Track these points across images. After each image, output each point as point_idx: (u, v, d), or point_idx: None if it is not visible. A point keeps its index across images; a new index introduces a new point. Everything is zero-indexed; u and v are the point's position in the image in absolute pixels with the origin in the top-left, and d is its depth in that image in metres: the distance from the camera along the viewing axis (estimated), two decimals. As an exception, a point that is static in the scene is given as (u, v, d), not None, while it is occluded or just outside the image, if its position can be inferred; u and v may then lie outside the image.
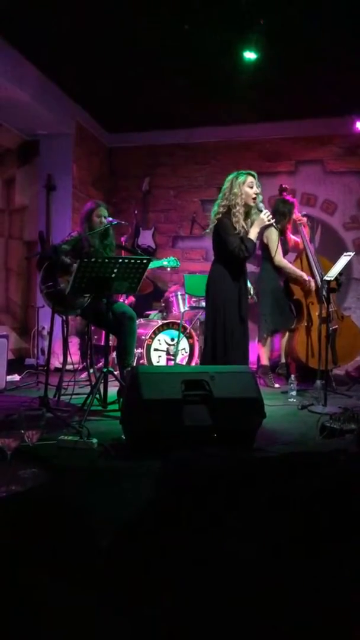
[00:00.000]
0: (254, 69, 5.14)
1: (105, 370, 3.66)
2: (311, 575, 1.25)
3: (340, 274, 4.27)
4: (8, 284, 6.50)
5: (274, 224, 3.91)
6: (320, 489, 1.64)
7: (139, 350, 5.04)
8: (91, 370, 4.28)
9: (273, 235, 5.04)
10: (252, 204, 3.67)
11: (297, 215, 5.37)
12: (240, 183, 3.64)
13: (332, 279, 4.15)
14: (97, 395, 3.66)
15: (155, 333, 5.21)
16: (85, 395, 3.57)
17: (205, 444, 2.58)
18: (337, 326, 5.15)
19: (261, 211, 3.66)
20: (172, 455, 2.16)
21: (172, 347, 5.26)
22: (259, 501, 1.60)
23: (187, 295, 5.52)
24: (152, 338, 5.19)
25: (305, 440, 3.02)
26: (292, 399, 4.26)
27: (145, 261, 3.47)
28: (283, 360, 5.49)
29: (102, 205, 4.26)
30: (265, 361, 5.22)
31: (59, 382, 3.99)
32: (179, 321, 5.29)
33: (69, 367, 4.26)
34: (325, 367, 4.23)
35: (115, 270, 3.38)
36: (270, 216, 3.69)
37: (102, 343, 4.77)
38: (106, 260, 3.41)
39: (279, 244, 5.07)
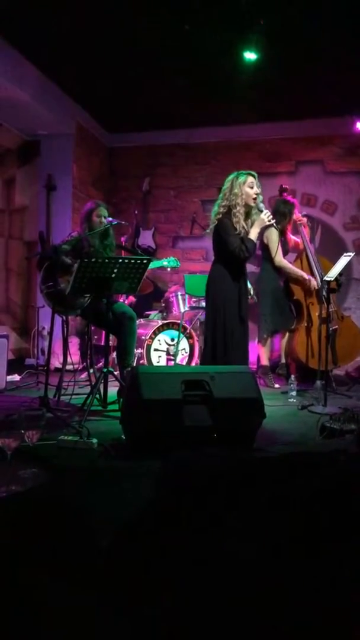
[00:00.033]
0: (254, 69, 5.14)
1: (105, 370, 3.65)
2: (311, 575, 1.25)
3: (340, 274, 4.27)
4: (8, 284, 6.50)
5: (275, 225, 3.91)
6: (320, 489, 1.64)
7: (139, 351, 5.04)
8: (91, 371, 4.28)
9: (273, 236, 5.04)
10: (252, 204, 3.67)
11: (297, 215, 5.37)
12: (241, 183, 3.64)
13: (332, 279, 4.15)
14: (97, 396, 3.66)
15: (155, 333, 5.21)
16: (85, 396, 3.57)
17: (205, 444, 2.58)
18: (337, 326, 5.15)
19: (261, 211, 3.66)
20: (172, 455, 2.16)
21: (172, 348, 5.26)
22: (259, 501, 1.60)
23: (187, 296, 5.52)
24: (152, 338, 5.19)
25: (305, 440, 3.02)
26: (292, 399, 4.26)
27: (145, 261, 3.47)
28: (283, 360, 5.49)
29: (102, 205, 4.27)
30: (265, 361, 5.22)
31: (59, 382, 3.99)
32: (179, 321, 5.29)
33: (69, 367, 4.26)
34: (325, 368, 4.23)
35: (115, 271, 3.38)
36: (271, 216, 3.69)
37: (102, 343, 4.77)
38: (106, 261, 3.41)
39: (279, 245, 5.08)
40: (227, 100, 6.03)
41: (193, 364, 5.31)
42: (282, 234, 5.23)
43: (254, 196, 3.66)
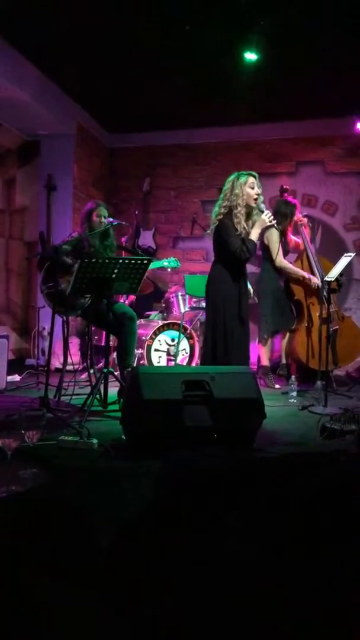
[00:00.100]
0: (254, 69, 5.14)
1: (105, 370, 3.65)
2: (311, 575, 1.25)
3: (340, 274, 4.28)
4: (9, 285, 6.50)
5: (275, 225, 3.91)
6: (321, 490, 1.64)
7: (140, 351, 5.04)
8: (91, 371, 4.28)
9: (274, 236, 5.03)
10: (253, 204, 3.66)
11: (297, 216, 5.37)
12: (242, 184, 3.63)
13: (333, 279, 4.16)
14: (98, 396, 3.66)
15: (155, 333, 5.21)
16: (86, 396, 3.57)
17: (206, 444, 2.59)
18: (337, 327, 5.15)
19: (262, 212, 3.65)
20: (172, 456, 2.16)
21: (172, 348, 5.26)
22: (259, 501, 1.60)
23: (187, 296, 5.52)
24: (152, 338, 5.19)
25: (306, 440, 3.02)
26: (292, 400, 4.26)
27: (145, 262, 3.47)
28: (283, 361, 5.50)
29: (102, 205, 4.27)
30: (265, 362, 5.22)
31: (59, 383, 3.99)
32: (179, 322, 5.29)
33: (69, 367, 4.26)
34: (325, 368, 4.23)
35: (115, 271, 3.38)
36: (272, 217, 3.68)
37: (103, 343, 4.77)
38: (107, 261, 3.42)
39: (280, 245, 5.08)
40: (228, 100, 6.03)
41: (193, 364, 5.31)
42: (283, 234, 5.23)
43: (255, 197, 3.65)
